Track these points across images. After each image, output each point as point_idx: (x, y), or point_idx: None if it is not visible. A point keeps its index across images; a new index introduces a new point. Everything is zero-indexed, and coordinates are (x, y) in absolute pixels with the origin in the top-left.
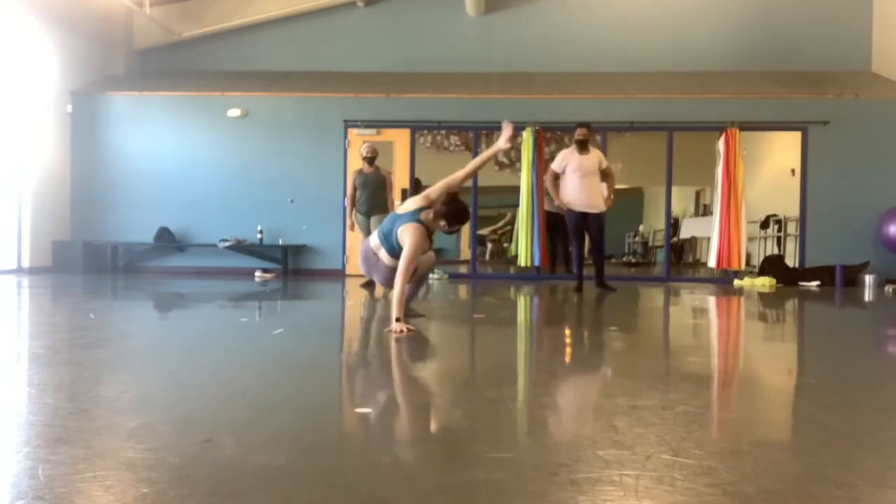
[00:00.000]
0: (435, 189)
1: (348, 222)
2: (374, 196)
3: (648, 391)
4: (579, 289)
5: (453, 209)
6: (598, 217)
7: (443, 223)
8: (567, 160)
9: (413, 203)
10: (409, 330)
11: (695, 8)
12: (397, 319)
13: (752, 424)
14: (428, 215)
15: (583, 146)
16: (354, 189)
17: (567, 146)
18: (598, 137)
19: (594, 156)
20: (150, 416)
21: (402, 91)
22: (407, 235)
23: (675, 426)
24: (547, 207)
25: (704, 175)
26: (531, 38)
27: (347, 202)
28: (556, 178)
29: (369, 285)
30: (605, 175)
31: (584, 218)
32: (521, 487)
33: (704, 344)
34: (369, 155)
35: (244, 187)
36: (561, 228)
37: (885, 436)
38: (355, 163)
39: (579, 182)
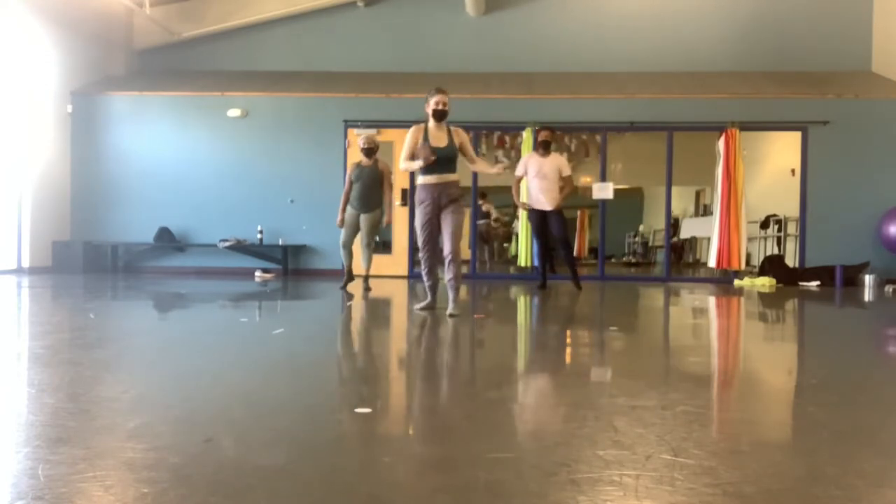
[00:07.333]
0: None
1: (338, 218)
2: (368, 190)
3: (648, 391)
4: (543, 286)
5: None
6: (558, 214)
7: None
8: (528, 164)
9: None
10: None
11: (695, 8)
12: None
13: (752, 424)
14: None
15: (546, 148)
16: (350, 183)
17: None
18: (598, 138)
19: (556, 160)
20: (150, 416)
21: (402, 91)
22: None
23: (675, 426)
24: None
25: (704, 175)
26: (531, 38)
27: (342, 198)
28: (519, 182)
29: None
30: (565, 183)
31: (544, 217)
32: (521, 487)
33: (704, 344)
34: (367, 146)
35: (244, 187)
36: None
37: (885, 436)
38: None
39: (538, 186)
